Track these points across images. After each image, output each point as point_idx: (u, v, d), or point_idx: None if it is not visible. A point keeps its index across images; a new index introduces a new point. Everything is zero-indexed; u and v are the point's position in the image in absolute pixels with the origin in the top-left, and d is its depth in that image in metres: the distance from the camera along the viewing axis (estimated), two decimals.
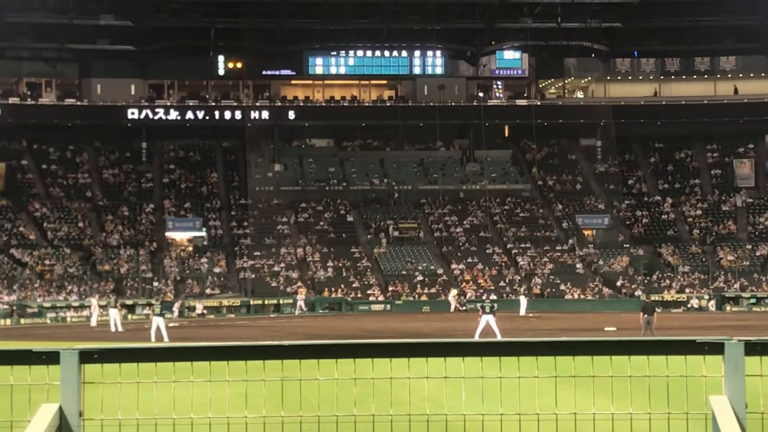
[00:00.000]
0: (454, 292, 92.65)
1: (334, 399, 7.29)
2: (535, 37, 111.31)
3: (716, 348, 6.84)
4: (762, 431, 6.92)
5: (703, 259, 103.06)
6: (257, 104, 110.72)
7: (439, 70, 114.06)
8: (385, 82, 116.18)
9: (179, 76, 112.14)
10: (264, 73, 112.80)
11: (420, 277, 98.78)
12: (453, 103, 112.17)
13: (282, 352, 7.01)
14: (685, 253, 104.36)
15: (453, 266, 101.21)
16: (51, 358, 6.81)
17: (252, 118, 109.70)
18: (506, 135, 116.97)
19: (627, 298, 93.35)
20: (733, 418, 6.60)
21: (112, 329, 64.73)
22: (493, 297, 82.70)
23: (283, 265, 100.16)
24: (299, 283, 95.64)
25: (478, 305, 59.99)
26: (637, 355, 7.02)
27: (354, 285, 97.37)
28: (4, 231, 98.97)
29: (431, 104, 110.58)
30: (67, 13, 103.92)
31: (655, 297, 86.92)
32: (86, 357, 6.82)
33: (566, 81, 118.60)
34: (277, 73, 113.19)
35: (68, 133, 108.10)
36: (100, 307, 75.21)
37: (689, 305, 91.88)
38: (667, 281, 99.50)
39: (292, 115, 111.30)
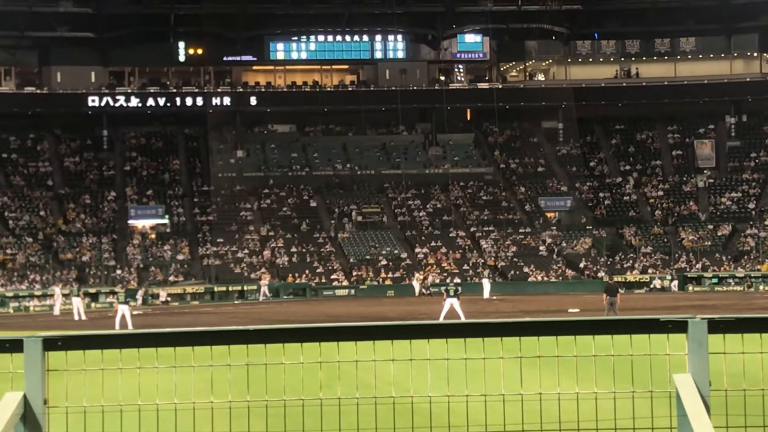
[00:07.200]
0: (419, 276, 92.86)
1: (299, 383, 7.29)
2: (496, 20, 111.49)
3: (680, 327, 6.87)
4: (726, 408, 6.96)
5: (665, 240, 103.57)
6: (218, 90, 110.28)
7: (400, 54, 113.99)
8: (346, 66, 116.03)
9: (140, 63, 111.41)
10: (225, 59, 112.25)
11: (384, 262, 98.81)
12: (415, 87, 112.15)
13: (247, 337, 7.00)
14: (647, 234, 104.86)
15: (417, 250, 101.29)
16: (14, 346, 6.77)
17: (213, 104, 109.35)
18: (468, 118, 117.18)
19: (590, 280, 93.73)
20: (697, 396, 6.63)
21: (76, 318, 64.54)
22: (457, 280, 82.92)
23: (246, 251, 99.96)
24: (263, 270, 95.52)
25: (442, 289, 60.33)
26: (601, 334, 7.04)
27: (318, 270, 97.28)
28: None
29: (393, 88, 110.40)
30: (26, 0, 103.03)
31: (618, 278, 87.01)
32: (50, 344, 6.78)
33: (527, 64, 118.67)
34: (238, 58, 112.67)
35: (28, 122, 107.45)
36: (63, 295, 74.90)
37: (652, 286, 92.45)
38: (630, 262, 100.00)
39: (253, 101, 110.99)
